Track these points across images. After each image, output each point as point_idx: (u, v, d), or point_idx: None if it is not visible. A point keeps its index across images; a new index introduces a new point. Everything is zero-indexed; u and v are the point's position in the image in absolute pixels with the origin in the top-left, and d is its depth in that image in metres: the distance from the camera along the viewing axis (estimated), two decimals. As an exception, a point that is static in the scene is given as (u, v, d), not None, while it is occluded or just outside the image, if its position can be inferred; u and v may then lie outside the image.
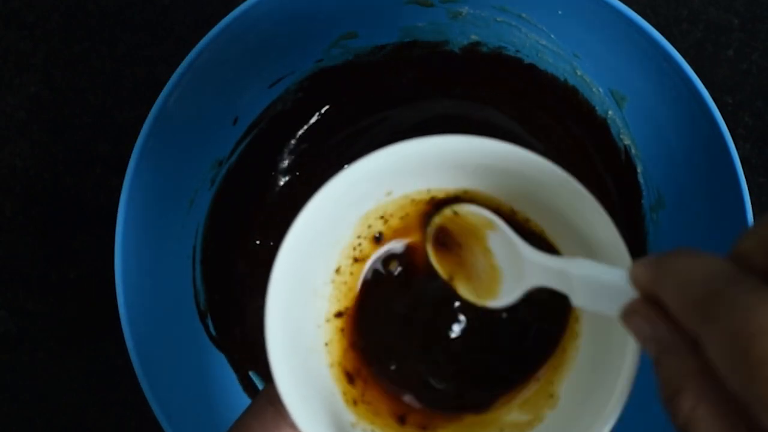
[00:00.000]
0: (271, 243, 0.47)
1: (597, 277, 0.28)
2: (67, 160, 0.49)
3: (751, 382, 0.21)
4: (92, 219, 0.49)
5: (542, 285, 0.31)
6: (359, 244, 0.35)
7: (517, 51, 0.45)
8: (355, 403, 0.34)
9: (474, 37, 0.45)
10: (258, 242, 0.47)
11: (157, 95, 0.40)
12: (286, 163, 0.48)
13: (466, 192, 0.35)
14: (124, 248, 0.40)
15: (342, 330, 0.35)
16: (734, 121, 0.49)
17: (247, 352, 0.47)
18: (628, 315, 0.27)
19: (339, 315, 0.35)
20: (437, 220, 0.35)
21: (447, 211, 0.35)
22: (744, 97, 0.49)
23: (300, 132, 0.48)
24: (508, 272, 0.33)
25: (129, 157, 0.40)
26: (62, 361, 0.49)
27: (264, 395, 0.35)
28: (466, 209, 0.34)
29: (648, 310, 0.26)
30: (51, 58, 0.50)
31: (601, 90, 0.44)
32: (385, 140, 0.47)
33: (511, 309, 0.36)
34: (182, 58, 0.40)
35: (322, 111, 0.48)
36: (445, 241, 0.35)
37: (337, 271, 0.35)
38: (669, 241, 0.44)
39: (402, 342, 0.36)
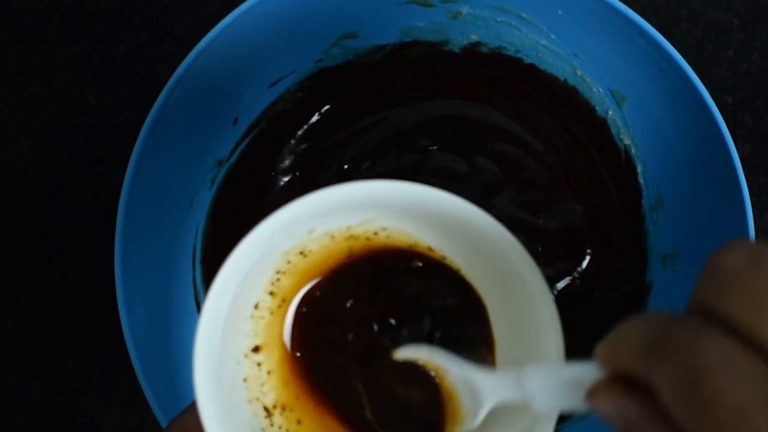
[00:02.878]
0: (271, 243, 0.47)
1: (556, 376, 0.28)
2: (67, 160, 0.49)
3: (703, 421, 0.21)
4: (92, 219, 0.49)
5: (501, 402, 0.31)
6: (278, 280, 0.36)
7: (517, 51, 0.45)
8: None
9: (474, 37, 0.45)
10: (258, 242, 0.47)
11: (157, 95, 0.40)
12: (286, 163, 0.48)
13: (384, 229, 0.36)
14: (124, 248, 0.40)
15: (259, 365, 0.36)
16: (734, 121, 0.49)
17: (247, 352, 0.47)
18: (592, 399, 0.27)
19: (256, 350, 0.36)
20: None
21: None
22: (744, 97, 0.49)
23: (300, 132, 0.48)
24: (466, 400, 0.33)
25: (129, 157, 0.40)
26: (62, 361, 0.49)
27: (174, 427, 0.34)
28: (404, 356, 0.34)
29: (609, 389, 0.26)
30: (51, 58, 0.50)
31: (601, 90, 0.44)
32: (385, 140, 0.47)
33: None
34: (182, 58, 0.40)
35: (322, 111, 0.48)
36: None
37: (256, 306, 0.36)
38: (669, 241, 0.44)
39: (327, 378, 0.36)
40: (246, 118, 0.46)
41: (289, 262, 0.36)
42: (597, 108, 0.45)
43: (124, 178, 0.40)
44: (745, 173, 0.40)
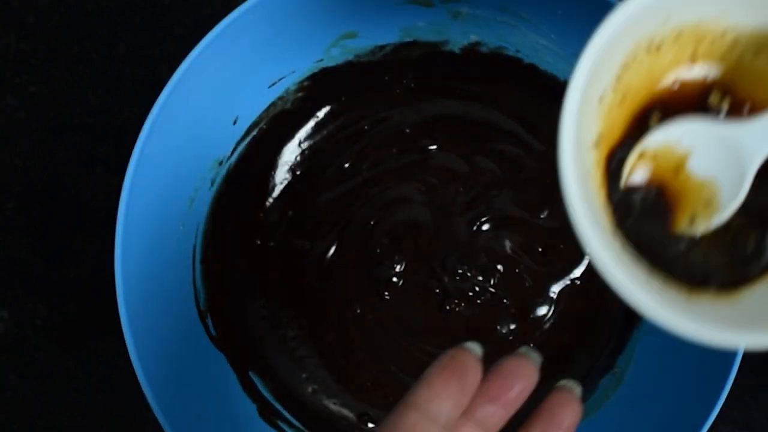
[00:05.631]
0: (271, 243, 0.47)
1: None
2: (67, 160, 0.49)
3: None
4: (92, 219, 0.49)
5: None
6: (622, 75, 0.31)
7: (517, 51, 0.45)
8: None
9: (474, 37, 0.45)
10: (258, 242, 0.47)
11: (157, 95, 0.40)
12: (286, 163, 0.48)
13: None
14: (124, 248, 0.40)
15: (596, 163, 0.32)
16: (734, 121, 0.49)
17: (247, 352, 0.47)
18: None
19: (596, 145, 0.32)
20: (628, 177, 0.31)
21: (633, 162, 0.30)
22: (744, 97, 0.49)
23: (300, 132, 0.48)
24: (722, 174, 0.29)
25: (129, 157, 0.40)
26: (62, 361, 0.49)
27: (405, 403, 0.29)
28: (656, 140, 0.30)
29: None
30: (51, 58, 0.50)
31: (601, 90, 0.44)
32: (385, 140, 0.47)
33: None
34: (182, 58, 0.40)
35: (322, 111, 0.48)
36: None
37: (600, 99, 0.32)
38: (669, 241, 0.44)
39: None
40: (246, 118, 0.46)
41: (635, 57, 0.31)
42: (597, 108, 0.46)
43: (124, 178, 0.40)
44: (745, 173, 0.39)
